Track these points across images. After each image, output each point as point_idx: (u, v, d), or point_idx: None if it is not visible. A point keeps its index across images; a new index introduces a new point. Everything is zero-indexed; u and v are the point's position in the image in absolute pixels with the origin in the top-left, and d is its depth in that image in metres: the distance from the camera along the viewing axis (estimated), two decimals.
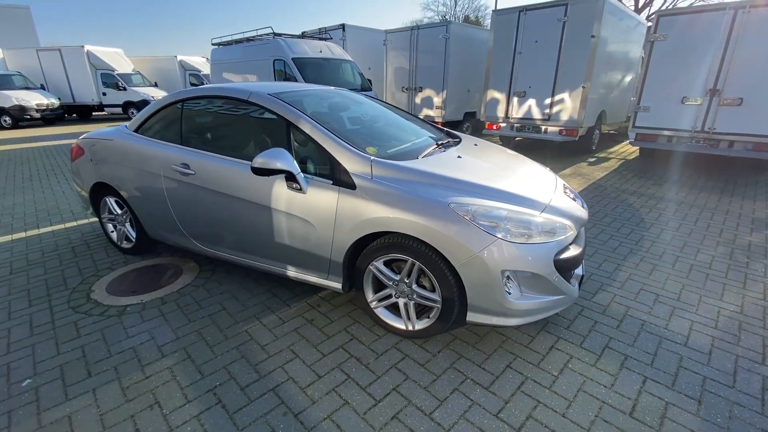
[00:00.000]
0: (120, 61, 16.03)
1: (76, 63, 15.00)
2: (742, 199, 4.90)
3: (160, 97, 3.02)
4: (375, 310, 2.32)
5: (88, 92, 15.42)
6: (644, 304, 2.63)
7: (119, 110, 15.74)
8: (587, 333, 2.33)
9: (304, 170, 2.27)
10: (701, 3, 18.30)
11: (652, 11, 19.25)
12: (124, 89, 15.46)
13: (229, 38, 10.20)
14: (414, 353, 2.16)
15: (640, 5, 19.22)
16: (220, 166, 2.51)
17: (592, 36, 6.51)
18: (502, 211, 1.97)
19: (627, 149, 8.54)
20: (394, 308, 2.31)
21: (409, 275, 2.13)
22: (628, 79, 8.58)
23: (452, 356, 2.14)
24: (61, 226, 4.13)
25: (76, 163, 3.37)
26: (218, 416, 1.76)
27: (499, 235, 1.89)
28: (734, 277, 3.00)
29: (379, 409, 1.79)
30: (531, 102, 7.54)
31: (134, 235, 3.27)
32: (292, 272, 2.51)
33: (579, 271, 2.39)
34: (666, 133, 6.34)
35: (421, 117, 8.30)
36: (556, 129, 7.36)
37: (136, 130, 3.05)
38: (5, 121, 13.14)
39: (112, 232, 3.47)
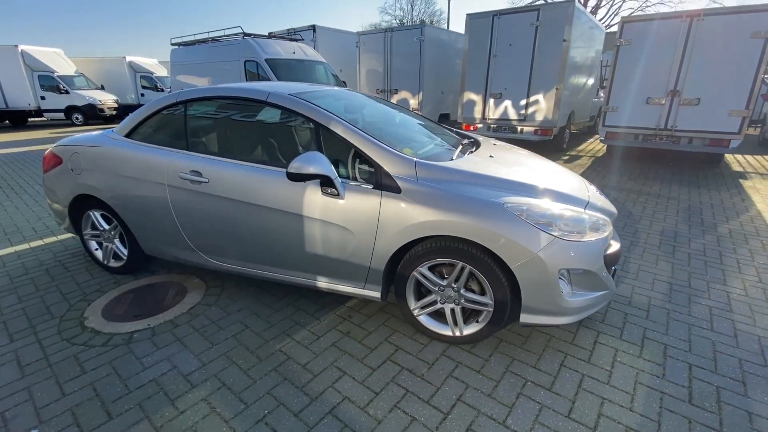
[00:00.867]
0: (60, 63, 14.61)
1: (8, 64, 13.47)
2: (708, 191, 5.33)
3: (155, 99, 2.73)
4: (417, 318, 2.23)
5: (23, 96, 13.91)
6: (662, 293, 2.75)
7: (61, 115, 14.35)
8: (622, 325, 2.39)
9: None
10: (647, 7, 19.91)
11: (603, 16, 20.65)
12: (66, 92, 14.12)
13: (191, 38, 9.63)
14: (466, 360, 2.09)
15: (588, 9, 20.51)
16: (239, 173, 2.30)
17: (564, 40, 6.83)
18: (554, 209, 1.96)
19: (594, 147, 9.06)
20: (437, 314, 2.23)
21: (456, 280, 2.06)
22: (591, 81, 9.11)
23: (505, 360, 2.09)
24: (25, 246, 3.63)
25: (52, 174, 2.97)
26: None
27: (556, 234, 1.88)
28: (728, 262, 3.23)
29: (451, 423, 1.71)
30: (507, 103, 7.77)
31: (126, 252, 2.94)
32: (323, 283, 2.35)
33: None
34: (633, 131, 6.78)
35: None
36: (532, 129, 7.64)
37: (127, 136, 2.74)
38: None
39: (97, 250, 3.10)
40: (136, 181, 2.59)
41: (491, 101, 7.96)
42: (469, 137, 3.09)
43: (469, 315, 2.17)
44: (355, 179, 2.12)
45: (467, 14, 7.82)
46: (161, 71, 18.07)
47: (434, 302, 2.18)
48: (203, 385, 1.93)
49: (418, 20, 40.83)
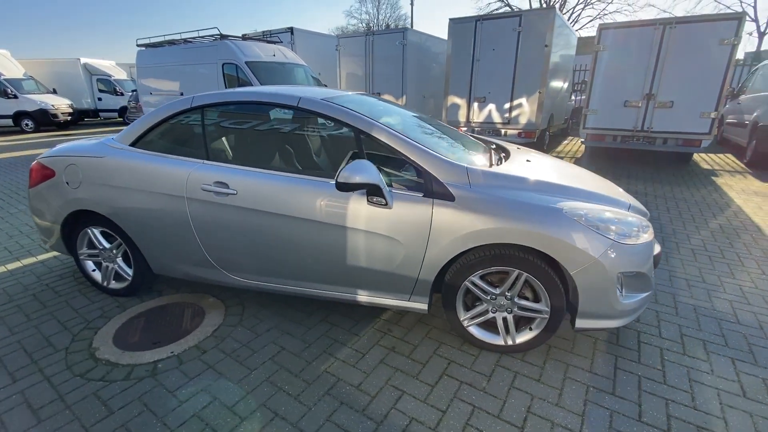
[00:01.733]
0: (7, 65, 13.39)
1: None
2: (688, 188, 5.66)
3: (165, 104, 2.50)
4: (467, 329, 2.16)
5: None
6: (682, 289, 2.85)
7: (9, 122, 13.13)
8: (657, 323, 2.44)
9: None
10: (605, 15, 21.05)
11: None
12: (15, 97, 12.94)
13: (160, 39, 9.11)
14: (522, 369, 2.05)
15: (551, 3, 21.30)
16: (271, 183, 2.14)
17: (546, 45, 7.06)
18: (608, 213, 1.96)
19: (572, 148, 9.42)
20: (485, 324, 2.18)
21: (510, 287, 2.02)
22: (566, 85, 9.48)
23: (560, 366, 2.07)
24: (1, 268, 3.23)
25: (40, 188, 2.65)
26: None
27: (613, 238, 1.88)
28: (729, 256, 3.41)
29: None
30: (491, 107, 7.92)
31: (130, 273, 2.67)
32: (364, 297, 2.24)
33: None
34: (612, 132, 7.10)
35: None
36: (516, 132, 7.82)
37: (132, 145, 2.49)
38: None
39: (94, 271, 2.80)
40: (147, 195, 2.36)
41: (475, 105, 8.09)
42: (492, 142, 3.08)
43: (519, 323, 2.14)
44: (399, 187, 2.03)
45: (450, 19, 7.92)
46: (120, 74, 17.04)
47: (485, 312, 2.12)
48: (254, 416, 1.76)
49: (383, 24, 41.14)
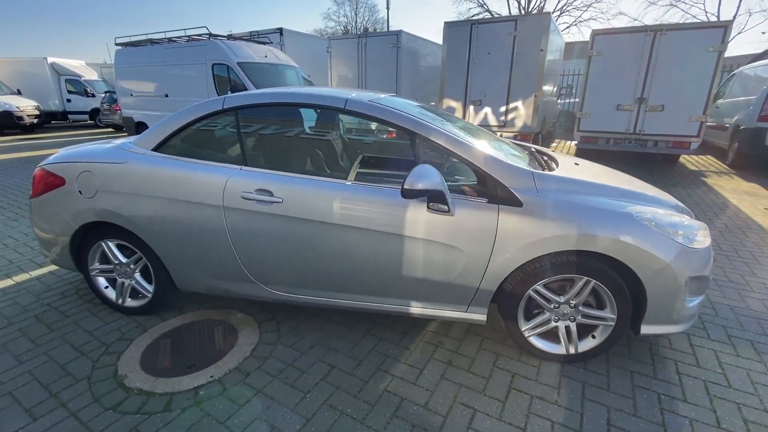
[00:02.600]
0: None
1: None
2: (684, 189, 5.86)
3: (191, 105, 2.31)
4: (528, 339, 2.08)
5: None
6: (713, 289, 2.89)
7: None
8: (702, 326, 2.45)
9: None
10: (581, 22, 21.77)
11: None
12: None
13: (141, 37, 8.67)
14: (589, 379, 1.98)
15: (530, 8, 21.82)
16: (320, 191, 2.00)
17: (541, 50, 7.17)
18: (673, 217, 1.94)
19: (562, 150, 9.61)
20: (545, 333, 2.10)
21: (576, 295, 1.96)
22: (555, 88, 9.70)
23: (623, 374, 2.02)
24: None
25: (46, 198, 2.38)
26: None
27: (681, 242, 1.85)
28: (744, 255, 3.51)
29: None
30: (487, 110, 7.97)
31: (151, 289, 2.45)
32: (417, 309, 2.12)
33: None
34: (605, 135, 7.29)
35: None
36: (512, 135, 7.89)
37: (155, 150, 2.28)
38: None
39: (107, 288, 2.55)
40: (176, 204, 2.16)
41: (471, 108, 8.12)
42: (527, 146, 3.03)
43: (580, 331, 2.08)
44: (463, 192, 1.94)
45: (445, 22, 7.92)
46: (91, 74, 16.16)
47: (548, 321, 2.05)
48: None
49: (361, 27, 41.14)
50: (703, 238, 1.94)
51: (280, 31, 9.62)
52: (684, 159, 8.33)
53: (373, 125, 3.31)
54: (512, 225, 1.86)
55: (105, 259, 2.49)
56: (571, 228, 1.81)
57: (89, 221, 2.32)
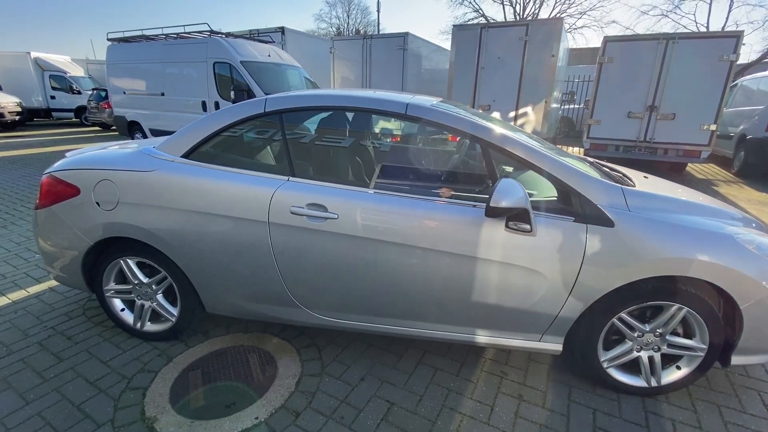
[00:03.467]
0: None
1: None
2: None
3: (226, 107, 2.05)
4: (606, 371, 1.89)
5: None
6: None
7: None
8: None
9: None
10: (575, 30, 21.98)
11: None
12: None
13: (136, 33, 8.27)
14: (676, 415, 1.80)
15: (525, 15, 21.91)
16: (383, 207, 1.77)
17: (552, 55, 7.08)
18: (765, 238, 1.78)
19: None
20: (625, 364, 1.92)
21: (665, 324, 1.78)
22: (561, 95, 9.66)
23: (711, 408, 1.85)
24: None
25: (56, 209, 2.09)
26: None
27: None
28: None
29: None
30: (496, 115, 7.84)
31: (175, 312, 2.17)
32: (483, 338, 1.91)
33: None
34: (615, 142, 7.24)
35: None
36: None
37: (185, 156, 2.02)
38: None
39: (123, 310, 2.27)
40: (213, 219, 1.90)
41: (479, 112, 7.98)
42: (584, 158, 2.85)
43: (665, 362, 1.90)
44: (545, 210, 1.74)
45: (454, 26, 7.79)
46: (76, 70, 15.50)
47: (629, 351, 1.87)
48: None
49: (353, 30, 40.96)
50: None
51: (282, 30, 9.33)
52: (689, 167, 8.36)
53: (398, 130, 3.10)
54: (602, 247, 1.66)
55: (122, 278, 2.21)
56: (669, 251, 1.62)
57: (107, 236, 2.04)
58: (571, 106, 11.96)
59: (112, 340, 2.27)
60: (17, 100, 12.85)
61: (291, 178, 1.89)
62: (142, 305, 2.21)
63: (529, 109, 7.55)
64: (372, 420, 1.74)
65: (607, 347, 1.89)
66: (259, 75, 7.05)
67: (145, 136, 8.64)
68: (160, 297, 2.19)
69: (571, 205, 1.72)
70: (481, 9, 22.06)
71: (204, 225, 1.91)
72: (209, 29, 7.31)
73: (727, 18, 19.98)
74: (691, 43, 6.37)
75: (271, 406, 1.80)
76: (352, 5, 42.45)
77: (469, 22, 20.33)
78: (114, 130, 12.63)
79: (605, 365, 1.89)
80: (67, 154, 2.40)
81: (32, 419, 1.72)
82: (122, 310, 2.26)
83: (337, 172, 1.98)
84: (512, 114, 7.69)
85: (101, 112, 12.51)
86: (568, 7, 21.06)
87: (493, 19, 21.41)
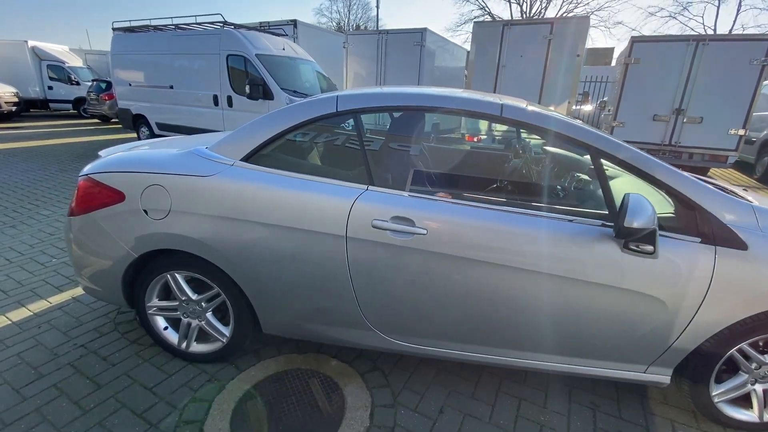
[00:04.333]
0: None
1: None
2: None
3: (291, 105, 1.82)
4: (717, 405, 1.71)
5: None
6: None
7: None
8: None
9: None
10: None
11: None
12: None
13: (144, 23, 7.95)
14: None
15: (531, 13, 21.70)
16: (483, 222, 1.57)
17: (578, 55, 6.90)
18: None
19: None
20: (737, 398, 1.74)
21: None
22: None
23: None
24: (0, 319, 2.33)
25: (97, 216, 1.85)
26: None
27: None
28: None
29: None
30: None
31: (227, 332, 1.95)
32: (579, 368, 1.71)
33: None
34: (639, 145, 7.07)
35: None
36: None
37: (246, 160, 1.79)
38: None
39: (167, 329, 2.04)
40: (281, 231, 1.68)
41: None
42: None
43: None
44: (664, 229, 1.54)
45: (475, 22, 7.58)
46: (75, 61, 15.04)
47: (743, 384, 1.68)
48: None
49: (354, 25, 40.54)
50: None
51: (295, 23, 9.04)
52: (710, 172, 8.24)
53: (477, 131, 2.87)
54: (732, 273, 1.47)
55: (165, 293, 1.98)
56: None
57: (155, 248, 1.81)
58: (583, 107, 11.79)
59: (152, 361, 2.04)
60: (14, 90, 12.44)
61: (370, 187, 1.67)
62: (189, 324, 1.99)
63: (551, 109, 7.36)
64: None
65: (719, 380, 1.71)
66: (274, 69, 6.78)
67: (150, 130, 8.33)
68: (209, 315, 1.96)
69: (694, 223, 1.52)
70: (487, 6, 21.84)
71: (270, 238, 1.69)
72: (222, 20, 7.01)
73: (734, 21, 20.03)
74: (722, 46, 6.21)
75: None
76: (353, 0, 42.04)
77: (480, 19, 20.06)
78: (115, 123, 12.29)
79: (716, 399, 1.70)
80: (101, 153, 2.16)
81: None
82: (165, 328, 2.04)
83: (423, 181, 1.77)
84: None
85: (101, 104, 12.12)
86: (575, 7, 20.93)
87: (499, 17, 21.21)
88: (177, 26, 7.57)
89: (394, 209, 1.61)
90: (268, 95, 6.40)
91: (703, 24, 18.56)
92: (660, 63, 6.60)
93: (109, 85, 12.01)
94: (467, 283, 1.60)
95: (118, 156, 1.97)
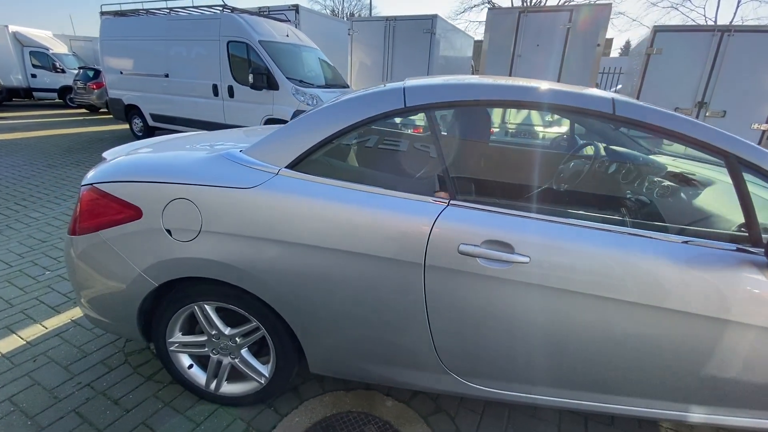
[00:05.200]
0: None
1: None
2: None
3: (342, 100, 1.48)
4: None
5: None
6: None
7: None
8: None
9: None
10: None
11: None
12: None
13: (135, 6, 7.42)
14: None
15: (532, 1, 21.26)
16: (598, 249, 1.26)
17: (598, 44, 6.59)
18: None
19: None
20: None
21: None
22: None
23: None
24: None
25: (105, 236, 1.50)
26: None
27: None
28: None
29: None
30: None
31: (267, 372, 1.64)
32: (697, 416, 1.44)
33: None
34: None
35: None
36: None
37: (292, 167, 1.45)
38: None
39: (191, 367, 1.71)
40: (342, 257, 1.35)
41: None
42: None
43: None
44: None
45: (489, 9, 7.24)
46: (59, 47, 14.29)
47: None
48: None
49: (348, 12, 39.60)
50: None
51: (296, 8, 8.54)
52: None
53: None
54: None
55: (191, 326, 1.65)
56: None
57: (181, 276, 1.47)
58: None
59: (174, 404, 1.72)
60: None
61: (452, 203, 1.35)
62: (219, 362, 1.66)
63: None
64: None
65: None
66: (279, 57, 6.34)
67: (144, 121, 7.85)
68: (244, 352, 1.64)
69: None
70: None
71: (326, 265, 1.37)
72: (222, 3, 6.53)
73: (735, 13, 19.87)
74: (748, 37, 5.96)
75: None
76: None
77: (482, 7, 19.46)
78: (104, 113, 11.69)
79: None
80: (105, 156, 1.80)
81: None
82: (190, 366, 1.71)
83: (521, 196, 1.45)
84: None
85: (89, 94, 11.52)
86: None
87: (500, 6, 20.72)
88: (171, 9, 7.06)
89: (486, 231, 1.29)
90: (273, 85, 5.98)
91: (704, 15, 18.37)
92: (683, 53, 6.33)
93: (96, 73, 11.40)
94: (581, 324, 1.30)
95: (130, 160, 1.62)
